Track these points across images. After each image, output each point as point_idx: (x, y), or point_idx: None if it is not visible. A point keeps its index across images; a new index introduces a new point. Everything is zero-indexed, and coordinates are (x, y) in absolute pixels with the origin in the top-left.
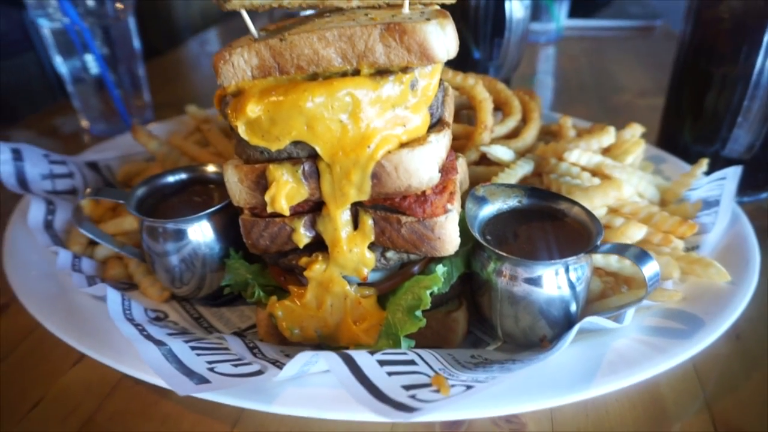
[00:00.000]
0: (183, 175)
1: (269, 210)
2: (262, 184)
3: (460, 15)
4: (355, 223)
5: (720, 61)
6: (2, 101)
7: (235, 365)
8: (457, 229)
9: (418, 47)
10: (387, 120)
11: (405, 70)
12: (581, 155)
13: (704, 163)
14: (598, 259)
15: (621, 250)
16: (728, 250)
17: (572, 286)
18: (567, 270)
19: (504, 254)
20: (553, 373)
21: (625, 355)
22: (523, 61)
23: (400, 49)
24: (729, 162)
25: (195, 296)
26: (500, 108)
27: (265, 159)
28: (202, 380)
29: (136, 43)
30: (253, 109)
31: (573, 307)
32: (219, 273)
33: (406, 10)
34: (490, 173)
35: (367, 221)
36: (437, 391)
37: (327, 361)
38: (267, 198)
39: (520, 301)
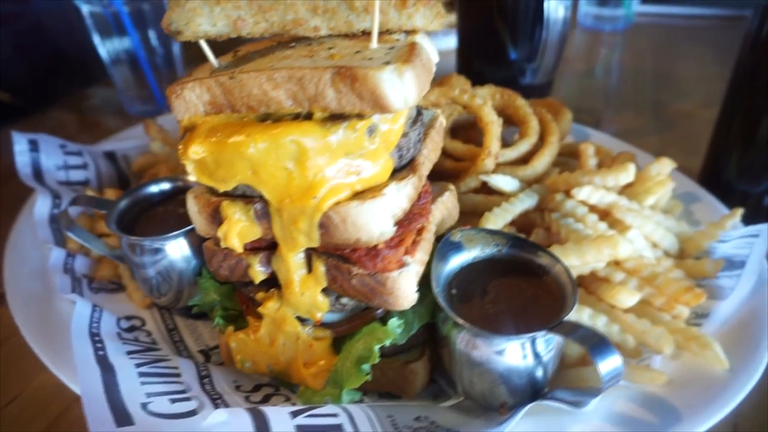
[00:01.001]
0: (166, 185)
1: (222, 245)
2: (217, 219)
3: (497, 11)
4: (310, 266)
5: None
6: (47, 81)
7: (173, 401)
8: (414, 283)
9: (370, 95)
10: (338, 168)
11: (361, 115)
12: (592, 193)
13: (738, 214)
14: (584, 318)
15: (583, 339)
16: (740, 326)
17: (538, 356)
18: (533, 342)
19: (461, 322)
20: None
21: None
22: (581, 54)
23: (351, 95)
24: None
25: (174, 306)
26: (518, 126)
27: (221, 193)
28: (125, 422)
29: None
30: (197, 151)
31: (539, 375)
32: (195, 287)
33: (374, 45)
34: (489, 203)
35: (320, 267)
36: None
37: (234, 418)
38: (220, 234)
39: (478, 366)
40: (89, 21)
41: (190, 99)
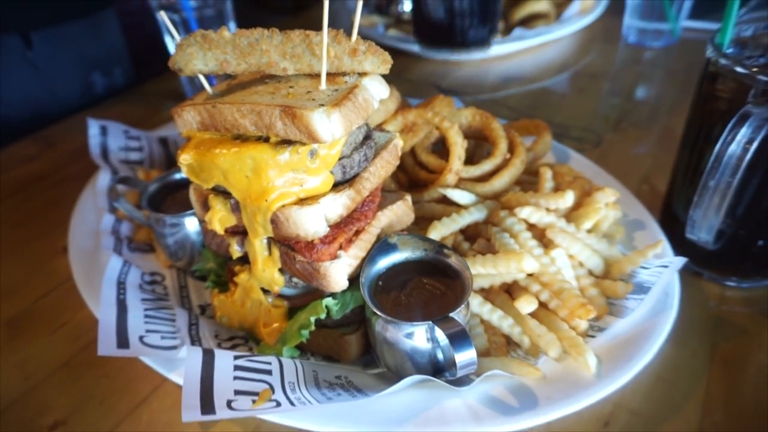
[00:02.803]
0: None
1: (208, 228)
2: (206, 206)
3: None
4: (270, 250)
5: (705, 125)
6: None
7: (162, 338)
8: (345, 273)
9: (305, 129)
10: (286, 180)
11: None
12: (533, 213)
13: (660, 246)
14: (494, 319)
15: (450, 333)
16: (624, 343)
17: (436, 341)
18: (432, 329)
19: (376, 310)
20: (375, 407)
21: (444, 414)
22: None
23: (293, 128)
24: (694, 248)
25: (187, 269)
26: (492, 145)
27: (211, 188)
28: (124, 346)
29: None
30: (186, 158)
31: (439, 356)
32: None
33: (323, 87)
34: (445, 213)
35: (276, 252)
36: (254, 401)
37: (188, 353)
38: (206, 219)
39: (390, 345)
40: (163, 25)
41: (187, 118)
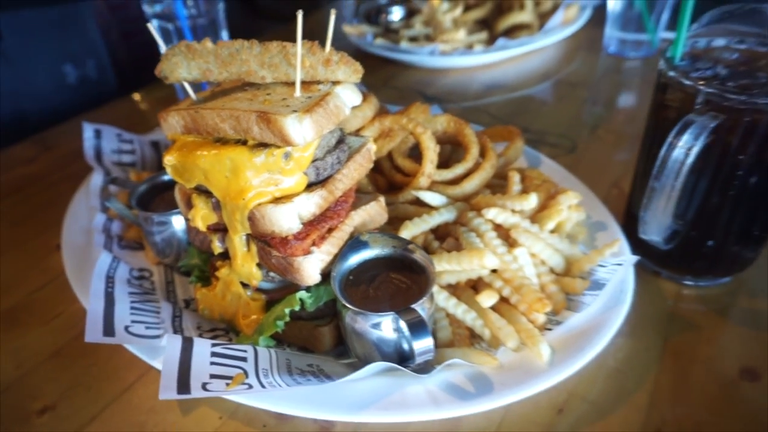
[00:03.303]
0: None
1: (192, 225)
2: (190, 205)
3: None
4: (249, 246)
5: (657, 132)
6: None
7: (147, 327)
8: (318, 267)
9: (279, 133)
10: (262, 180)
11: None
12: (499, 214)
13: (616, 245)
14: (458, 313)
15: (410, 323)
16: (578, 335)
17: (401, 331)
18: (396, 320)
19: (345, 303)
20: (341, 392)
21: (405, 399)
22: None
23: (267, 132)
24: (651, 248)
25: (174, 265)
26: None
27: (194, 187)
28: (109, 335)
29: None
30: (169, 159)
31: (405, 346)
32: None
33: (297, 94)
34: (418, 213)
35: (254, 247)
36: (228, 384)
37: (169, 339)
38: (189, 217)
39: (359, 335)
40: (157, 33)
41: (172, 123)
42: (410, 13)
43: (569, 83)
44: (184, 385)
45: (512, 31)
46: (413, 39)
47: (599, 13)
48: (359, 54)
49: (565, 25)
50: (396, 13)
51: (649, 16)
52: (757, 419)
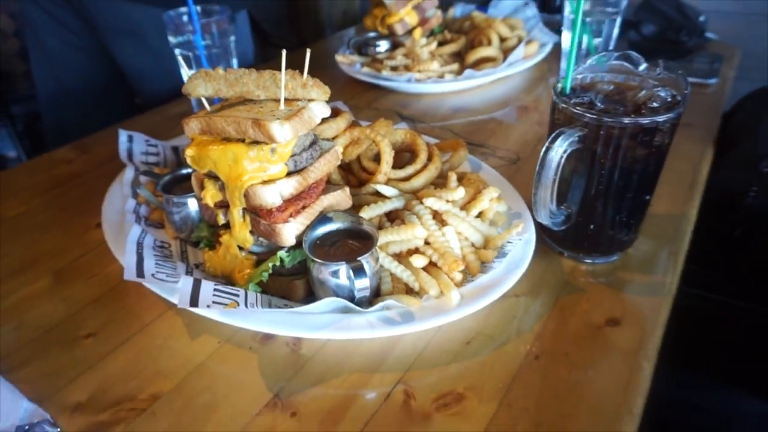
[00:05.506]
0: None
1: (203, 202)
2: (203, 187)
3: None
4: (244, 217)
5: None
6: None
7: (167, 276)
8: (294, 233)
9: (267, 134)
10: (254, 167)
11: (266, 142)
12: (435, 202)
13: (520, 226)
14: (398, 272)
15: (353, 267)
16: (484, 288)
17: (352, 279)
18: (348, 269)
19: (312, 257)
20: (303, 318)
21: (350, 325)
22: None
23: (259, 133)
24: (552, 231)
25: (188, 239)
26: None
27: (204, 174)
28: (141, 276)
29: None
30: (189, 152)
31: (354, 292)
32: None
33: (282, 107)
34: (375, 201)
35: (248, 218)
36: (225, 306)
37: (183, 279)
38: (202, 196)
39: (322, 282)
40: (179, 59)
41: (192, 126)
42: (394, 46)
43: (524, 108)
44: (194, 302)
45: (479, 63)
46: (394, 68)
47: (558, 48)
48: (348, 79)
49: (526, 59)
50: (382, 46)
51: (596, 52)
52: (612, 348)
